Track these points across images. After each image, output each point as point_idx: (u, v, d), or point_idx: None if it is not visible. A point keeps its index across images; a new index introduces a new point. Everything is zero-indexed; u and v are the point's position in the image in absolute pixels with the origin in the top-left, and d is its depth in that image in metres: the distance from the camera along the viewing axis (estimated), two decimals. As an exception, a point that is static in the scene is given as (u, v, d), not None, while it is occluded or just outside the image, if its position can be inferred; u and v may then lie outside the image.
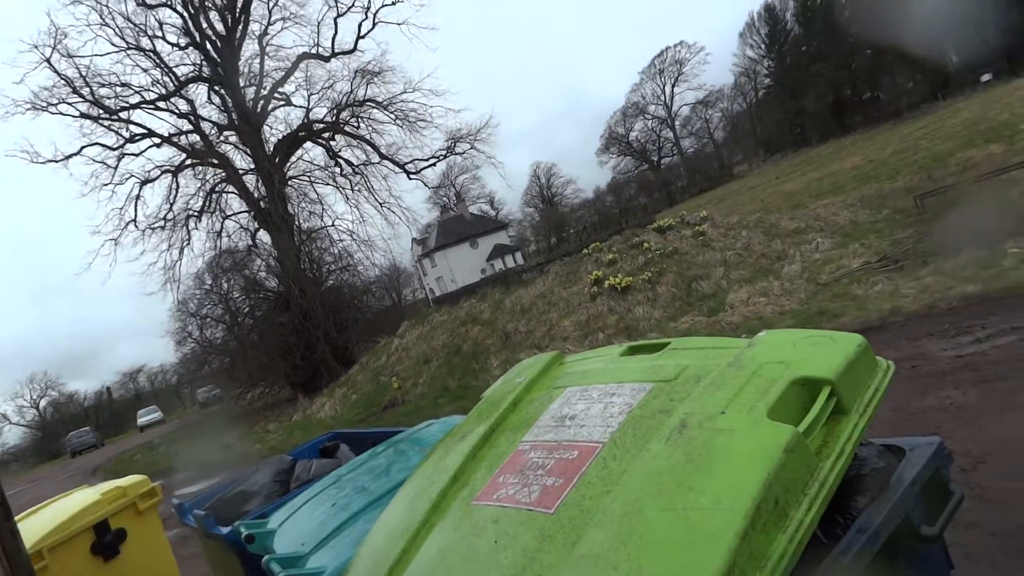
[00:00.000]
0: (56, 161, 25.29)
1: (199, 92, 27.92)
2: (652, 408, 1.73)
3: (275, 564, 2.32)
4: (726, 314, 10.70)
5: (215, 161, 27.50)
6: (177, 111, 27.30)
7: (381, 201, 28.95)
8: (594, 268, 14.82)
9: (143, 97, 26.50)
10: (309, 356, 25.41)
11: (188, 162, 27.60)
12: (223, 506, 3.50)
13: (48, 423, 66.64)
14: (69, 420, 64.00)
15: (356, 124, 28.92)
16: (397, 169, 29.45)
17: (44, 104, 24.77)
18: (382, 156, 29.09)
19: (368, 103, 28.51)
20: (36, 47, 24.38)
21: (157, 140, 26.93)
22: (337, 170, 29.37)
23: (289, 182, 28.31)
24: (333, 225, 29.40)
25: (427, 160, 29.80)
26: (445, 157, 30.44)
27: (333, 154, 29.36)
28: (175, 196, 27.42)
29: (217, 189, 28.27)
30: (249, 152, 27.29)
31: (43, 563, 4.18)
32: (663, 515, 1.33)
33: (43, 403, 68.99)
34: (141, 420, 49.05)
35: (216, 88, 27.30)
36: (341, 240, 29.51)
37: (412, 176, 29.88)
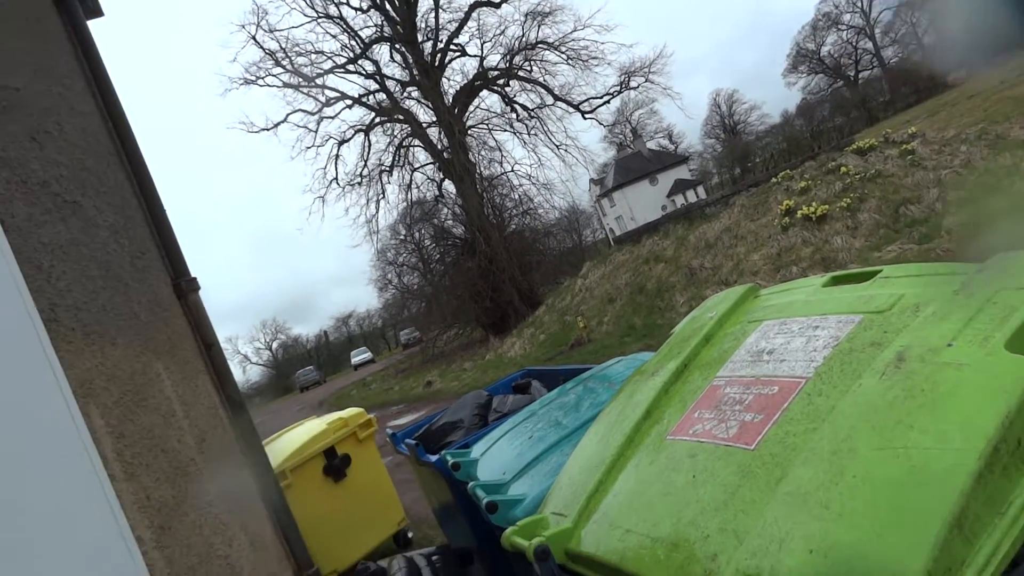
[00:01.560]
0: (267, 129, 28.09)
1: (382, 52, 29.42)
2: (862, 341, 1.61)
3: (479, 490, 2.50)
4: (941, 241, 9.57)
5: (401, 117, 29.02)
6: (364, 72, 29.02)
7: (557, 143, 29.05)
8: (784, 198, 13.84)
9: (334, 62, 28.45)
10: (497, 298, 26.49)
11: (377, 120, 29.38)
12: (430, 436, 3.82)
13: (280, 363, 76.11)
14: (296, 360, 72.70)
15: (529, 68, 29.04)
16: (571, 110, 29.29)
17: (253, 78, 27.44)
18: (556, 98, 29.04)
19: (540, 45, 28.45)
20: (243, 27, 26.99)
21: (349, 102, 28.89)
22: (513, 116, 29.80)
23: (468, 131, 29.22)
24: (512, 171, 30.05)
25: (601, 98, 29.34)
26: (619, 93, 29.78)
27: (509, 100, 29.77)
28: (368, 153, 29.44)
29: (404, 144, 29.90)
30: (430, 105, 28.46)
31: (287, 481, 4.84)
32: (879, 454, 1.25)
33: (275, 345, 78.87)
34: (355, 360, 54.32)
35: (397, 46, 28.59)
36: (521, 185, 30.13)
37: (587, 116, 29.58)
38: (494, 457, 2.93)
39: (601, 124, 31.37)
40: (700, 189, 54.09)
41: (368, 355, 55.10)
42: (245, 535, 3.13)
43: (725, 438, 1.58)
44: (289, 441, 5.56)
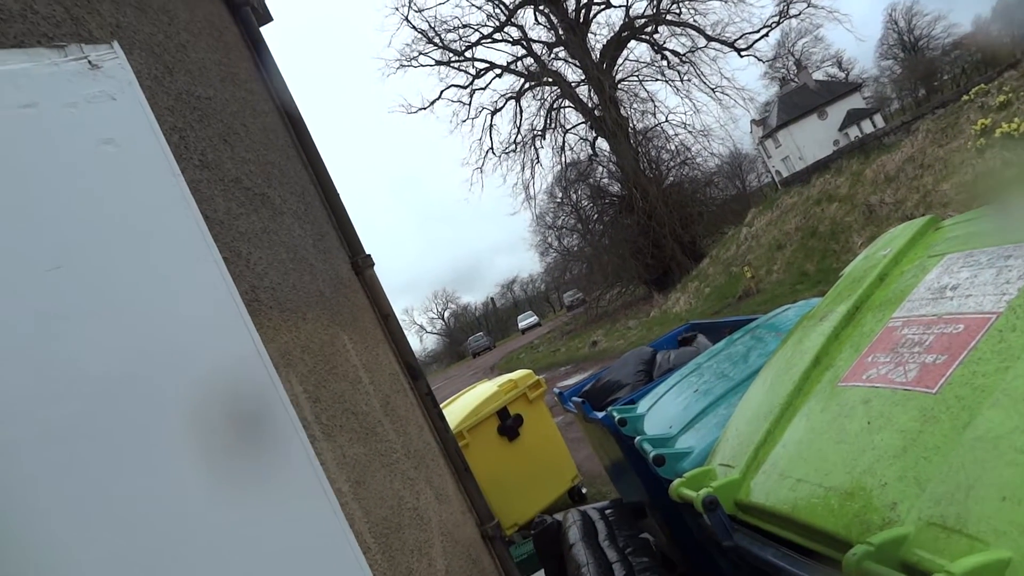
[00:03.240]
0: (424, 108, 29.24)
1: (526, 16, 29.45)
2: (1066, 270, 1.43)
3: (647, 444, 2.53)
4: None
5: (550, 80, 28.99)
6: (511, 39, 29.25)
7: (713, 86, 27.67)
8: (979, 116, 12.25)
9: (481, 33, 28.90)
10: (658, 254, 25.98)
11: (527, 85, 29.58)
12: (597, 393, 3.89)
13: (452, 331, 80.00)
14: (467, 327, 76.01)
15: (678, 10, 27.77)
16: (726, 49, 27.71)
17: (407, 60, 28.59)
18: (709, 38, 27.59)
19: (688, -16, 27.10)
20: (396, 9, 28.13)
21: (498, 71, 29.31)
22: (664, 64, 28.74)
23: (618, 86, 28.59)
24: (667, 121, 29.08)
25: (758, 32, 27.49)
26: (778, 24, 27.70)
27: (658, 47, 28.71)
28: (520, 119, 29.79)
29: (555, 106, 29.89)
30: (578, 64, 28.15)
31: (464, 441, 5.14)
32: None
33: (446, 314, 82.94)
34: (521, 324, 55.83)
35: (540, 8, 28.45)
36: (676, 135, 29.12)
37: (744, 53, 27.84)
38: (660, 411, 2.94)
39: (760, 60, 29.46)
40: (877, 118, 49.11)
41: (534, 319, 56.32)
42: (431, 489, 3.38)
43: (903, 382, 1.48)
44: (464, 403, 5.88)
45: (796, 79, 56.02)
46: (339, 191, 4.02)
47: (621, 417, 2.91)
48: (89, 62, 1.17)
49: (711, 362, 3.18)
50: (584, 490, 6.18)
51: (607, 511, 3.38)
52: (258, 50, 3.79)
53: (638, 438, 2.59)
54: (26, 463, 0.99)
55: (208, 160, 2.57)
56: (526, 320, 56.05)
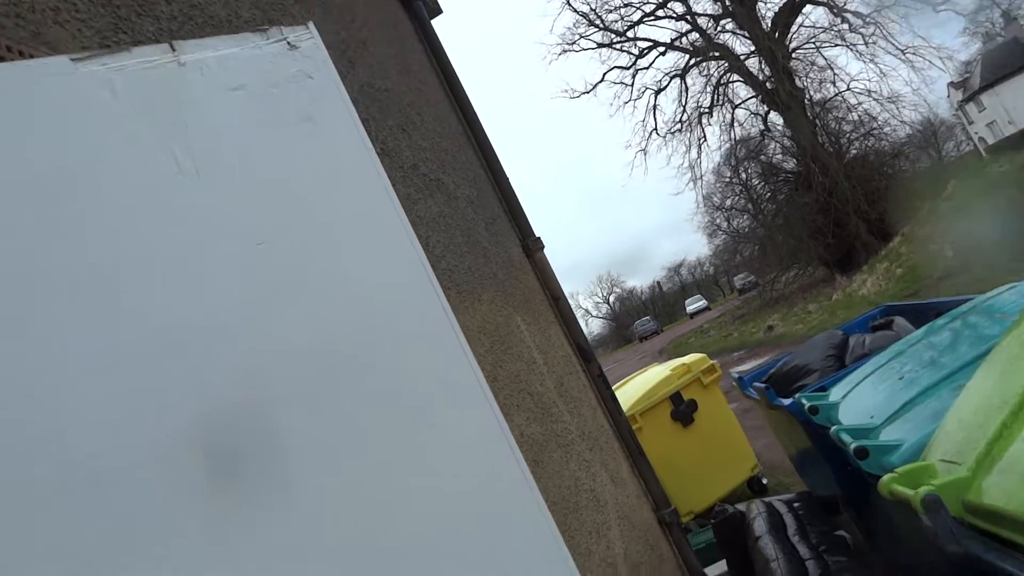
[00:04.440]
0: (586, 92, 29.08)
1: (689, -12, 28.31)
2: None
3: (845, 435, 2.31)
4: None
5: (716, 54, 27.70)
6: (674, 15, 28.26)
7: (902, 47, 24.97)
8: None
9: (643, 11, 28.18)
10: (840, 233, 24.05)
11: (692, 62, 28.48)
12: (780, 379, 3.64)
13: (617, 315, 79.57)
14: (632, 311, 75.33)
15: (861, -34, 25.37)
16: (919, 5, 24.88)
17: (569, 44, 28.54)
18: (899, -8, 24.93)
19: (873, -66, 24.65)
20: (557, -7, 28.13)
21: (661, 48, 28.45)
22: (844, 27, 26.33)
23: (792, 55, 26.67)
24: (848, 89, 26.64)
25: (959, -21, 24.42)
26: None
27: (837, 9, 26.35)
28: (686, 98, 28.74)
29: (723, 81, 28.52)
30: (747, 35, 26.62)
31: (637, 425, 5.05)
32: None
33: (611, 298, 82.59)
34: (689, 308, 54.33)
35: (706, -21, 27.25)
36: (859, 104, 26.58)
37: (939, 8, 24.88)
38: (857, 400, 2.69)
39: (958, 14, 26.14)
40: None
41: (703, 303, 54.68)
42: (606, 471, 3.35)
43: None
44: (636, 387, 5.79)
45: (1003, 33, 48.96)
46: (508, 176, 4.08)
47: (812, 405, 2.69)
48: (288, 43, 1.24)
49: (914, 348, 2.86)
50: (765, 480, 5.86)
51: (795, 504, 3.16)
52: (430, 42, 3.92)
53: (833, 428, 2.39)
54: (244, 438, 1.08)
55: (388, 148, 2.69)
56: (695, 304, 54.46)
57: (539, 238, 3.92)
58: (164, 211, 1.08)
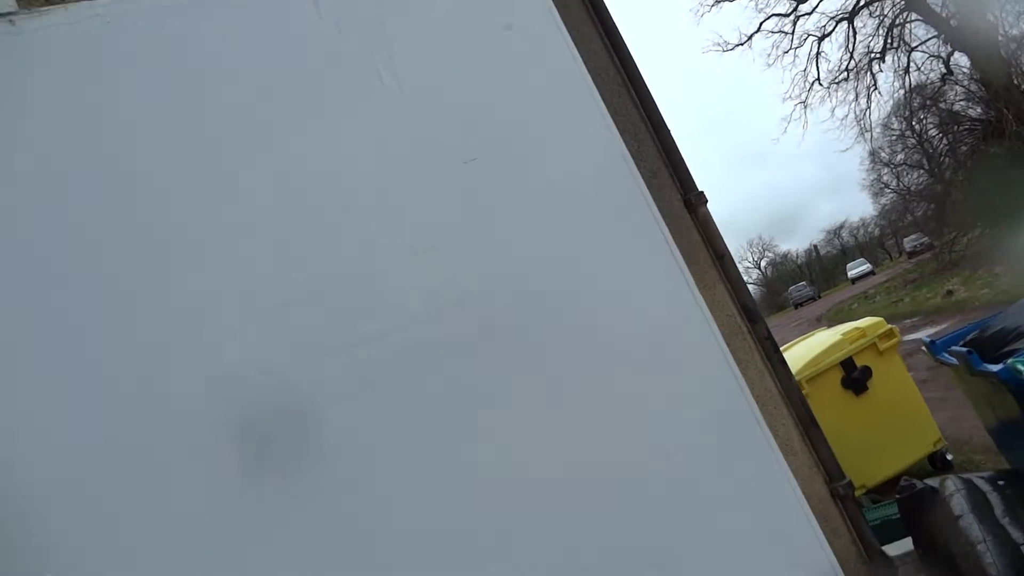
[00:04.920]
0: (741, 44, 27.44)
1: (861, -79, 25.75)
2: None
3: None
4: None
5: (890, -10, 25.11)
6: (840, -49, 25.87)
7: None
8: None
9: (804, -50, 26.03)
10: (1038, 186, 21.25)
11: (861, 2, 25.99)
12: (983, 344, 3.25)
13: (769, 280, 75.68)
14: (786, 277, 71.39)
15: None
16: None
17: (722, -6, 26.95)
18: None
19: None
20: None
21: (825, -11, 26.18)
22: (1049, -54, 22.87)
23: (983, -17, 23.59)
24: (1052, 20, 23.24)
25: None
26: None
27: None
28: (854, 42, 26.35)
29: (897, 22, 25.82)
30: (927, -35, 23.87)
31: (805, 391, 4.74)
32: None
33: (763, 263, 78.63)
34: (852, 272, 50.58)
35: (878, -92, 24.63)
36: (1066, 37, 23.15)
37: None
38: (1084, 368, 2.34)
39: None
40: None
41: (867, 267, 50.75)
42: (776, 439, 3.16)
43: None
44: (802, 352, 5.44)
45: None
46: (669, 127, 3.88)
47: (1030, 370, 2.38)
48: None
49: None
50: (950, 457, 5.33)
51: (999, 482, 2.83)
52: (587, -11, 3.78)
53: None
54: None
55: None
56: (858, 268, 50.57)
57: (702, 192, 3.72)
58: (368, 127, 1.08)
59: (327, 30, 1.12)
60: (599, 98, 1.24)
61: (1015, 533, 2.35)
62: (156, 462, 1.04)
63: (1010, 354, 2.93)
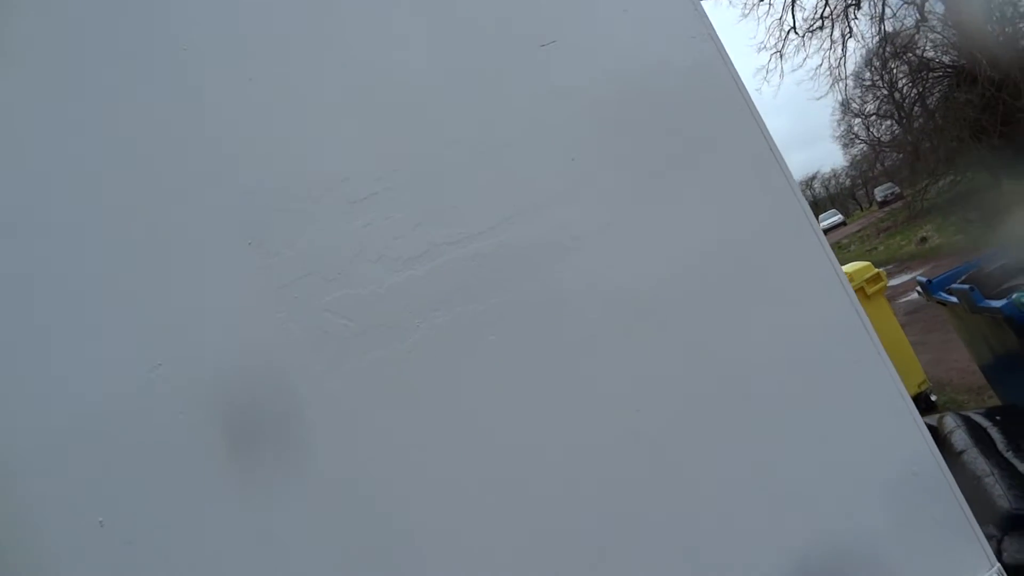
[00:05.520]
0: (714, -8, 27.02)
1: None
2: None
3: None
4: None
5: (864, -67, 24.80)
6: None
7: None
8: None
9: None
10: (1009, 133, 21.43)
11: (839, -55, 25.67)
12: (980, 281, 3.24)
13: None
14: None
15: None
16: None
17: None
18: None
19: None
20: None
21: (800, -66, 25.79)
22: None
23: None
24: (1026, -37, 23.18)
25: None
26: None
27: None
28: (829, -11, 26.07)
29: (872, -34, 25.57)
30: (902, -93, 23.57)
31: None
32: None
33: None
34: (823, 223, 51.15)
35: None
36: (1041, -20, 23.11)
37: None
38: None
39: None
40: None
41: (838, 217, 51.45)
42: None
43: None
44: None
45: None
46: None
47: (1037, 303, 2.36)
48: None
49: None
50: (934, 397, 5.42)
51: (997, 417, 2.84)
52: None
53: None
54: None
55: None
56: (828, 219, 51.23)
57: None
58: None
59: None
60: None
61: (1020, 464, 2.35)
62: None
63: (1009, 291, 2.92)
